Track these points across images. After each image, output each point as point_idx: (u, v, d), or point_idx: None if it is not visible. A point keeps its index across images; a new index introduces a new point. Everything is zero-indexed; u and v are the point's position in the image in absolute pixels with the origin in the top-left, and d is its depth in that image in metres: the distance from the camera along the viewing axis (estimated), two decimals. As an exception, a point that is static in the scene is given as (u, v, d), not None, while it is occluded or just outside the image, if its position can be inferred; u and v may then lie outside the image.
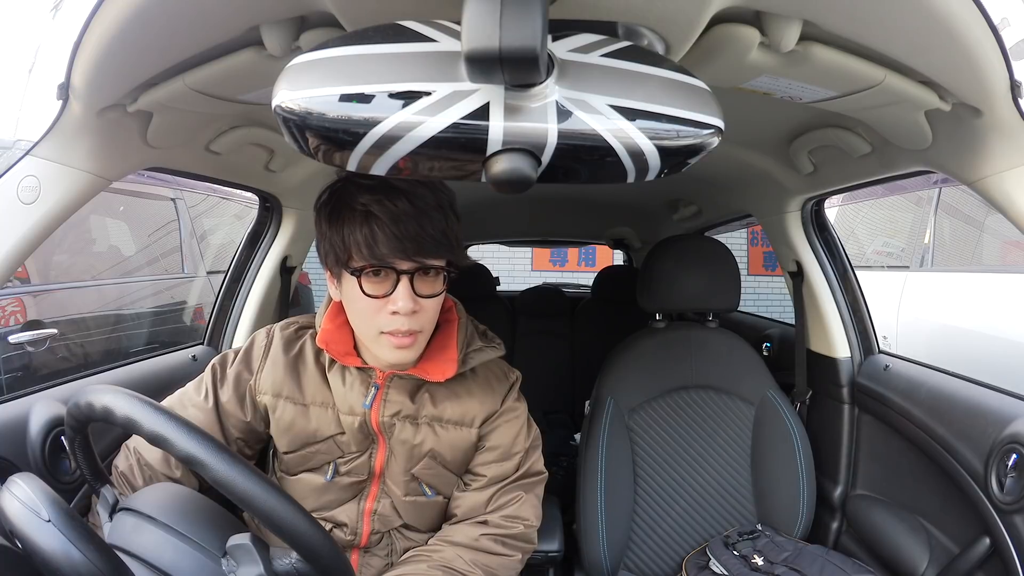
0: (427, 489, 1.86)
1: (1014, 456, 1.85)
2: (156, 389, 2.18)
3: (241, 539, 1.29)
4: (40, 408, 1.73)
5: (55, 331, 5.15)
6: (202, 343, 2.78)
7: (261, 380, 1.85)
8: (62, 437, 1.70)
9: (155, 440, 1.20)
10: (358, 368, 1.81)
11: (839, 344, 2.75)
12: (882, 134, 1.92)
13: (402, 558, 1.82)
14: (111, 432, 1.92)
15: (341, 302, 1.77)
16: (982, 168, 1.65)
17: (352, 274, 1.61)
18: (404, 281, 1.61)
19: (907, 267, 7.12)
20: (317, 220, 1.69)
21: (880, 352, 2.74)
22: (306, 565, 1.25)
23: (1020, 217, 1.60)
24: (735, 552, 2.38)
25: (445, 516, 1.94)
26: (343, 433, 1.82)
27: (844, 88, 1.59)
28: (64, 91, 1.52)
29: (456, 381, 1.84)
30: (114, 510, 1.45)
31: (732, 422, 2.71)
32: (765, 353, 3.63)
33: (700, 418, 2.72)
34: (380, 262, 1.59)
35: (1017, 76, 1.42)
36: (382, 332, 1.66)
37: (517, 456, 1.90)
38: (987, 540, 1.96)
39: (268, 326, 1.97)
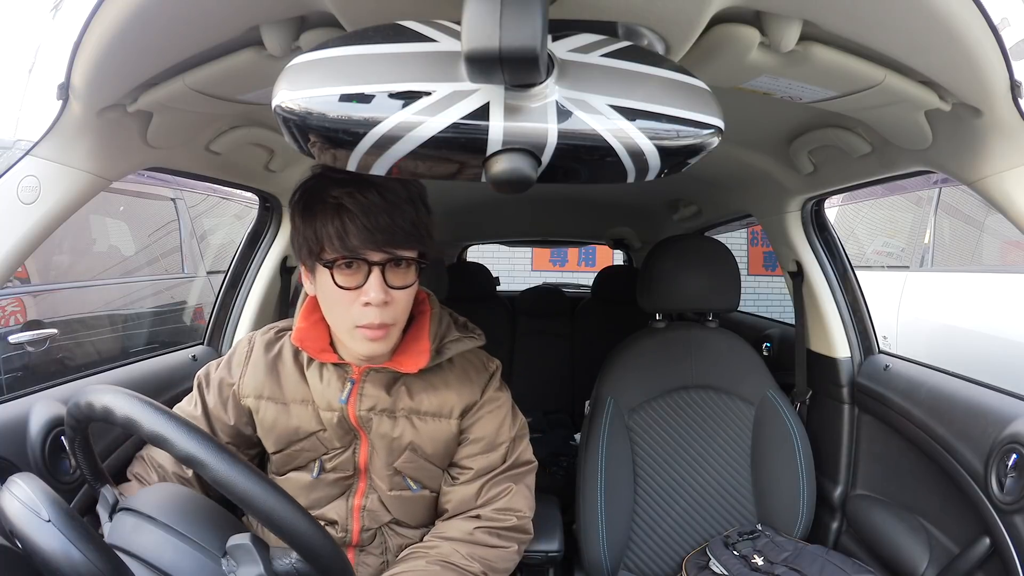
0: (411, 483, 1.88)
1: (1014, 456, 1.85)
2: (156, 389, 2.20)
3: (241, 539, 1.30)
4: (40, 408, 1.74)
5: (55, 331, 5.16)
6: (202, 343, 2.78)
7: (244, 384, 1.90)
8: (62, 437, 1.70)
9: (155, 440, 1.21)
10: (334, 364, 1.84)
11: (839, 344, 2.74)
12: (882, 134, 1.93)
13: (399, 556, 1.83)
14: (111, 432, 1.93)
15: (316, 299, 1.79)
16: (982, 168, 1.66)
17: (324, 266, 1.63)
18: (376, 272, 1.63)
19: (907, 267, 7.13)
20: (291, 215, 1.70)
21: (880, 352, 2.73)
22: (306, 565, 1.26)
23: (1020, 217, 1.60)
24: (735, 552, 2.38)
25: (436, 511, 1.95)
26: (324, 429, 1.84)
27: (844, 88, 1.59)
28: (64, 91, 1.53)
29: (432, 372, 1.86)
30: (114, 510, 1.45)
31: (732, 422, 2.71)
32: (765, 353, 3.62)
33: (700, 418, 2.72)
34: (352, 254, 1.61)
35: (1017, 76, 1.42)
36: (356, 326, 1.68)
37: (503, 446, 1.91)
38: (987, 540, 1.95)
39: (250, 333, 2.00)
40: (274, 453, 1.89)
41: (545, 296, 5.68)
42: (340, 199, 1.58)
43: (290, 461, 1.88)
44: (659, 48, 1.29)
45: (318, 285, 1.71)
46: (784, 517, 2.61)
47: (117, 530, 1.40)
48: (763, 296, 12.27)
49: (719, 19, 1.32)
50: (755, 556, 2.33)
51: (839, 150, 2.19)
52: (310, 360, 1.86)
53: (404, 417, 1.83)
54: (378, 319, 1.66)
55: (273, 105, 1.03)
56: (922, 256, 6.90)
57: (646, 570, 2.59)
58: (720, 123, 1.09)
